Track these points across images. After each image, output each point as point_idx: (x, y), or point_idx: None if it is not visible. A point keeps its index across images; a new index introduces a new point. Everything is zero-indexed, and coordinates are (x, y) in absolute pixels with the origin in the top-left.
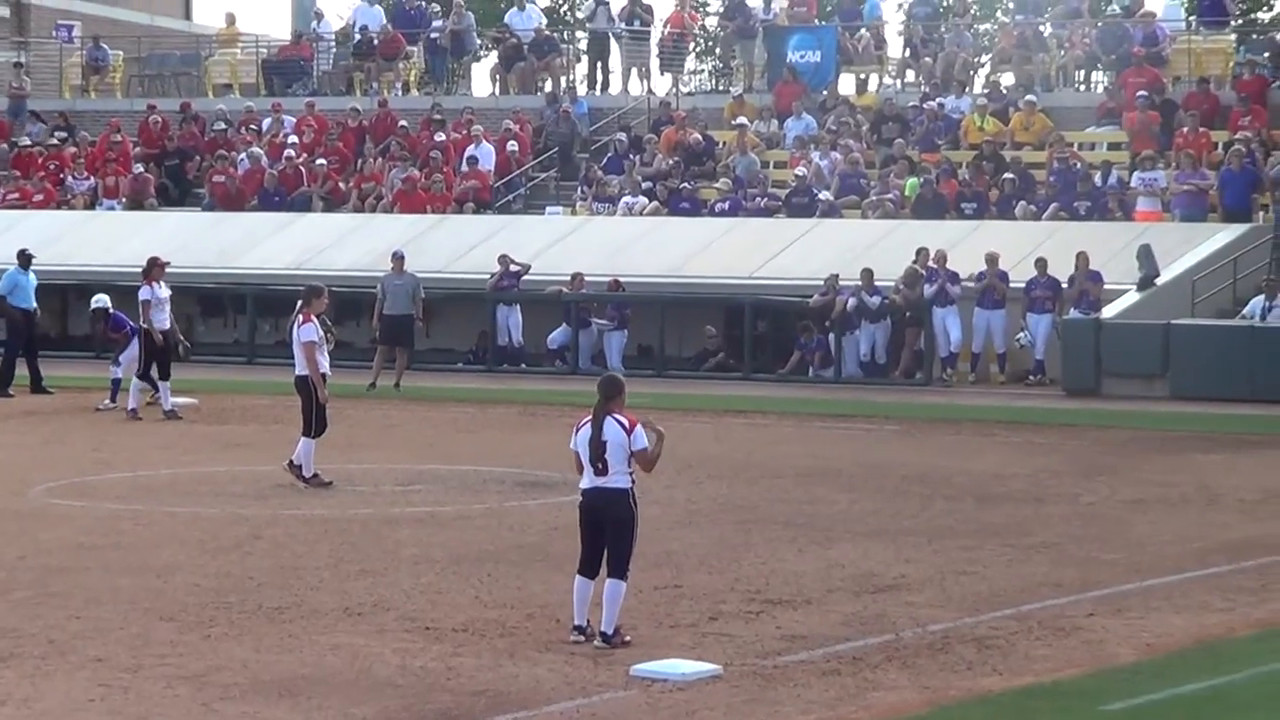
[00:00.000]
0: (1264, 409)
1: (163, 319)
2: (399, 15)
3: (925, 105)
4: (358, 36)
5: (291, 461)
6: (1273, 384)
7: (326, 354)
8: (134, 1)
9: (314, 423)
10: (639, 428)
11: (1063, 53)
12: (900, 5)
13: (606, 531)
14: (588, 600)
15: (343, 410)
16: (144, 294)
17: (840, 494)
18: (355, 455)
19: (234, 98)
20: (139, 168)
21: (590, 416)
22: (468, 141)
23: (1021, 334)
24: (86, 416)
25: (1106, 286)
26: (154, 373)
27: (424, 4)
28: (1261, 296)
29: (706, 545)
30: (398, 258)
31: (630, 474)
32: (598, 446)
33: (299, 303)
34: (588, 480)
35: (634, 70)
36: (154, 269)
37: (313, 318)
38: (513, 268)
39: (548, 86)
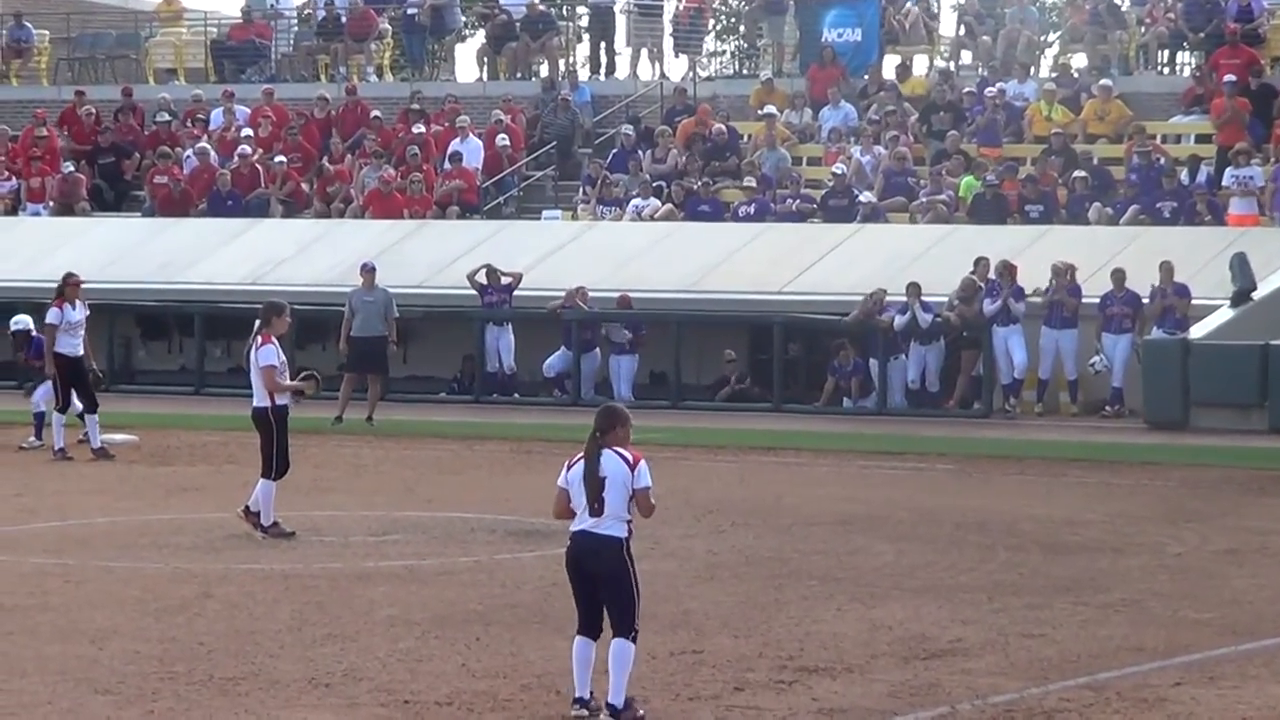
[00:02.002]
0: None
1: (74, 344)
2: None
3: (983, 91)
4: (322, 13)
5: (248, 508)
6: None
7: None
8: None
9: (275, 463)
10: (643, 463)
11: (1143, 30)
12: None
13: (600, 587)
14: (590, 665)
15: (305, 448)
16: (51, 316)
17: (885, 544)
18: (321, 500)
19: (179, 85)
20: (68, 166)
21: (583, 453)
22: (451, 135)
23: (1096, 358)
24: (7, 456)
25: (1195, 301)
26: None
27: None
28: None
29: (731, 604)
30: (369, 270)
31: (628, 521)
32: (595, 483)
33: (257, 323)
34: (579, 522)
35: (644, 52)
36: (67, 288)
37: (273, 340)
38: (503, 279)
39: (543, 71)
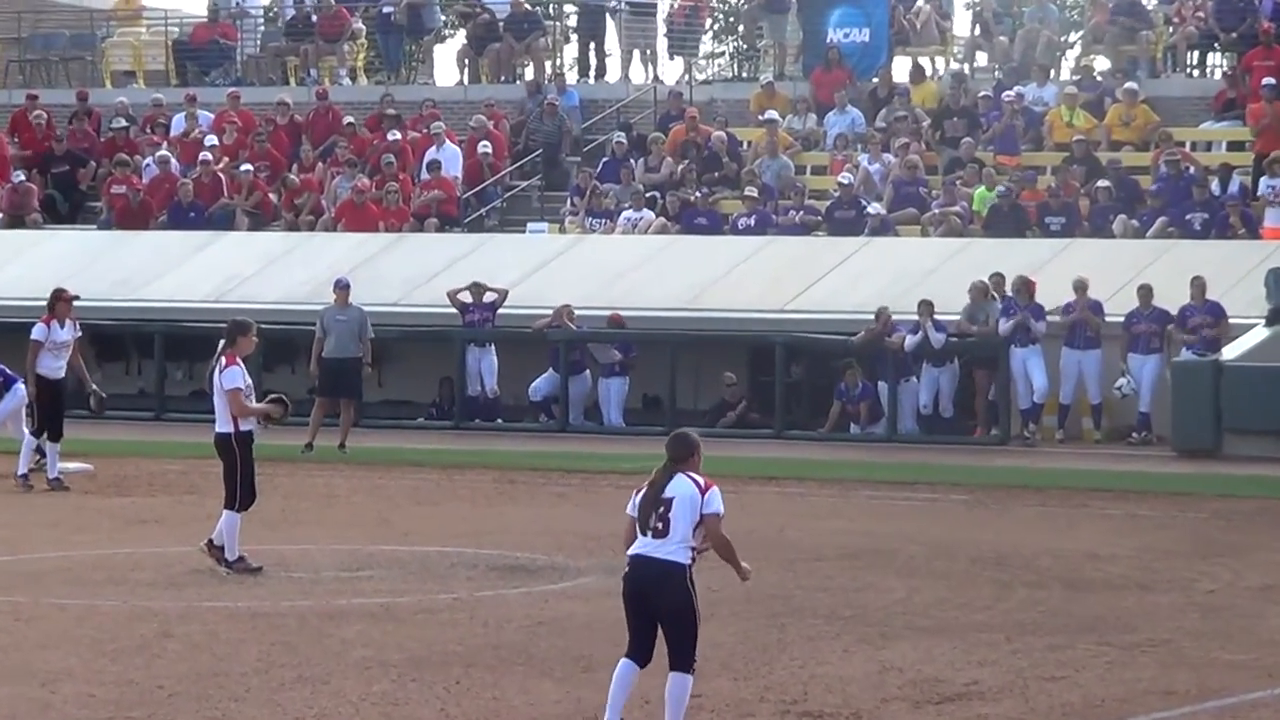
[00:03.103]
0: None
1: (57, 367)
2: None
3: (1000, 95)
4: (291, 12)
5: (211, 541)
6: None
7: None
8: None
9: (240, 493)
10: (715, 489)
11: (1171, 30)
12: None
13: (661, 618)
14: (629, 691)
15: (273, 478)
16: (36, 332)
17: (896, 580)
18: (291, 533)
19: (137, 88)
20: (19, 175)
21: (649, 481)
22: (429, 142)
23: (1122, 380)
24: None
25: (1229, 320)
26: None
27: None
28: None
29: (730, 644)
30: (342, 287)
31: (693, 549)
32: (657, 503)
33: (221, 343)
34: (639, 545)
35: (636, 53)
36: (58, 305)
37: (238, 361)
38: (486, 296)
39: (529, 74)
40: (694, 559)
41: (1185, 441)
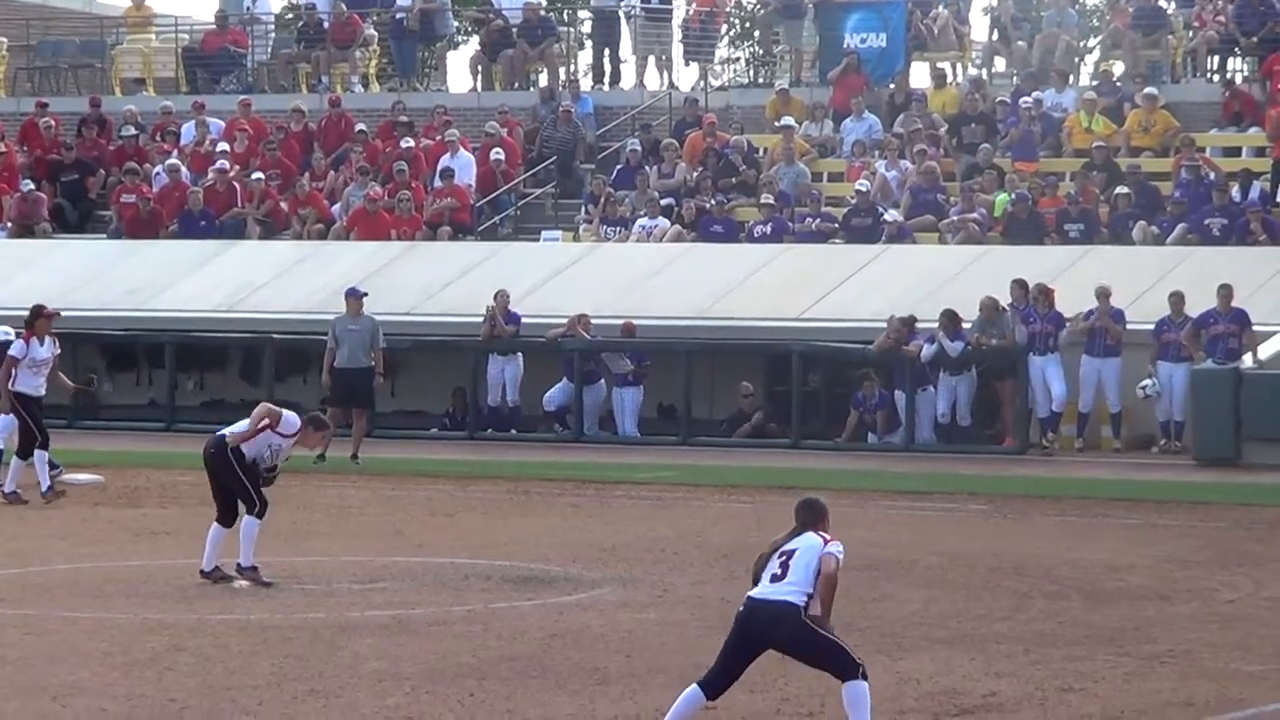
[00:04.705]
0: None
1: (36, 384)
2: None
3: (1018, 101)
4: (303, 18)
5: (239, 565)
6: None
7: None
8: None
9: (256, 497)
10: (838, 542)
11: (1191, 34)
12: None
13: (788, 654)
14: (687, 716)
15: (286, 489)
16: (15, 349)
17: (914, 591)
18: (303, 545)
19: (147, 96)
20: (28, 184)
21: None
22: (442, 149)
23: (1147, 380)
24: None
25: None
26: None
27: None
28: None
29: None
30: (355, 296)
31: (808, 594)
32: (780, 554)
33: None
34: (755, 589)
35: (651, 59)
36: (38, 321)
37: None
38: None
39: (543, 80)
40: (807, 603)
41: (1205, 450)
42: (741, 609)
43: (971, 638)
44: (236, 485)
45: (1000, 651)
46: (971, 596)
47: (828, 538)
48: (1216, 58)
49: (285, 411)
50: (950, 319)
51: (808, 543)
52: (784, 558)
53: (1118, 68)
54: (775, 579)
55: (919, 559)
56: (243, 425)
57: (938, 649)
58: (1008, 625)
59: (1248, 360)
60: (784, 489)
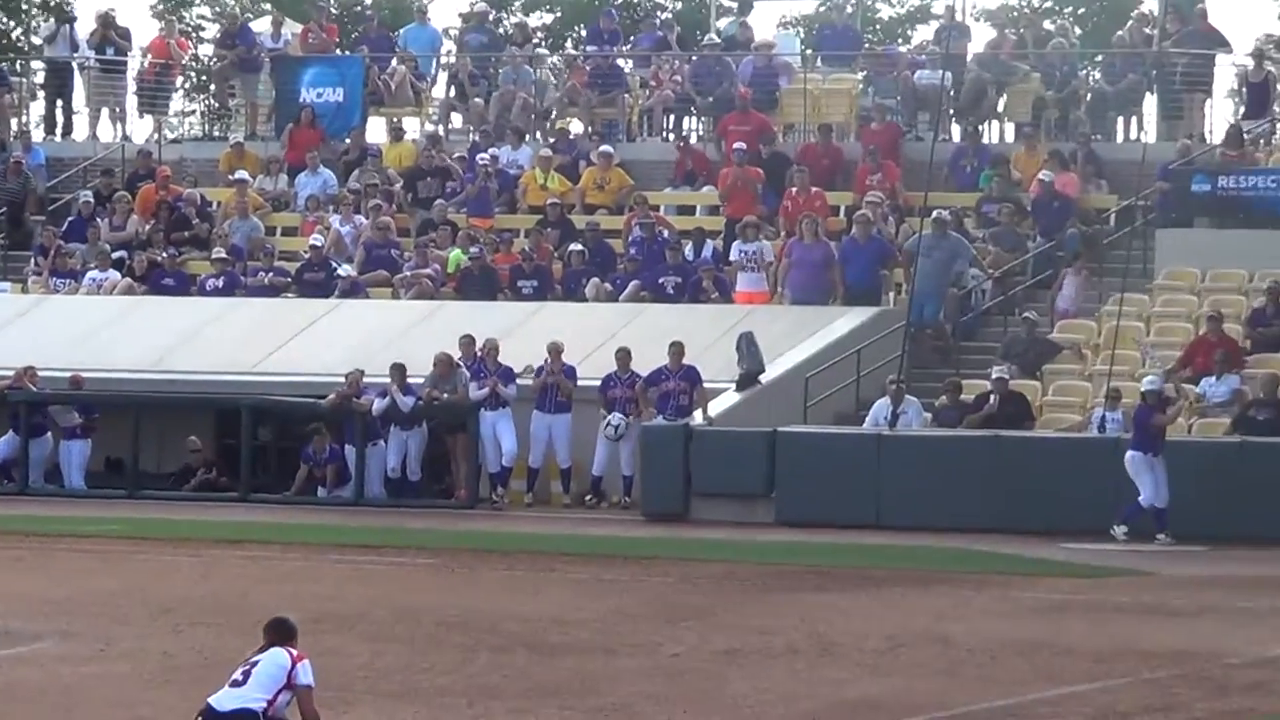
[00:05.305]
0: (890, 537)
1: None
2: None
3: (475, 158)
4: None
5: None
6: (901, 506)
7: None
8: None
9: None
10: (307, 661)
11: (648, 93)
12: (446, 31)
13: None
14: None
15: None
16: None
17: (360, 644)
18: None
19: None
20: None
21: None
22: None
23: (612, 416)
24: None
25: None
26: None
27: None
28: (887, 399)
29: (187, 709)
30: None
31: (268, 700)
32: (248, 663)
33: None
34: (217, 695)
35: (105, 111)
36: None
37: None
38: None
39: None
40: (267, 709)
41: (654, 506)
42: (199, 717)
43: (416, 691)
44: None
45: (444, 705)
46: (417, 650)
47: (295, 654)
48: (672, 116)
49: None
50: (400, 371)
51: (273, 656)
52: (248, 668)
53: (574, 125)
54: (235, 685)
55: (366, 612)
56: None
57: (383, 702)
58: (452, 678)
59: (698, 417)
60: (232, 543)
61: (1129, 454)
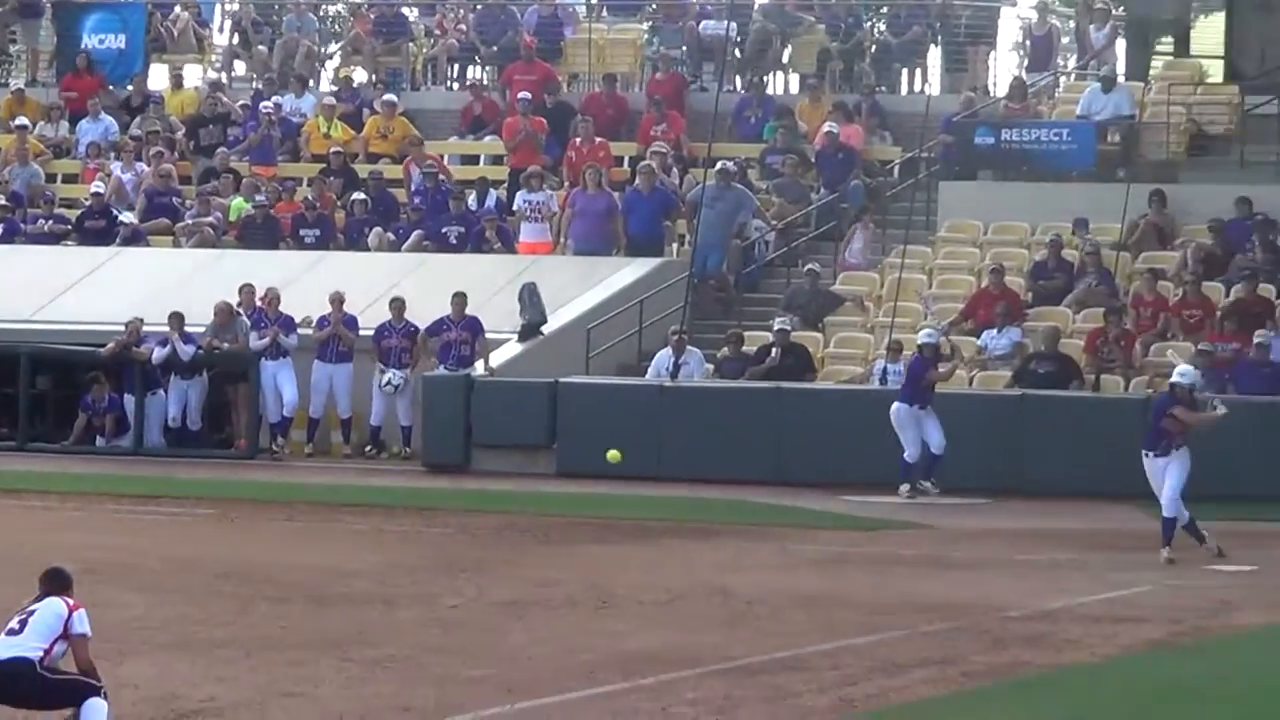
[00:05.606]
0: (672, 489)
1: None
2: None
3: (258, 106)
4: None
5: None
6: (682, 457)
7: None
8: None
9: None
10: (83, 611)
11: (433, 42)
12: None
13: (20, 707)
14: None
15: None
16: None
17: (135, 595)
18: None
19: None
20: None
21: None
22: None
23: (391, 373)
24: None
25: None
26: None
27: None
28: (669, 350)
29: None
30: None
31: (44, 649)
32: (24, 611)
33: None
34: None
35: None
36: None
37: None
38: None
39: None
40: (44, 656)
41: (434, 457)
42: None
43: (193, 643)
44: None
45: (222, 656)
46: (194, 601)
47: (72, 604)
48: (457, 65)
49: None
50: (179, 320)
51: (50, 605)
52: (25, 616)
53: (358, 74)
54: (12, 633)
55: (143, 563)
56: None
57: (158, 654)
58: (230, 630)
59: (479, 368)
60: (9, 492)
61: (895, 405)
